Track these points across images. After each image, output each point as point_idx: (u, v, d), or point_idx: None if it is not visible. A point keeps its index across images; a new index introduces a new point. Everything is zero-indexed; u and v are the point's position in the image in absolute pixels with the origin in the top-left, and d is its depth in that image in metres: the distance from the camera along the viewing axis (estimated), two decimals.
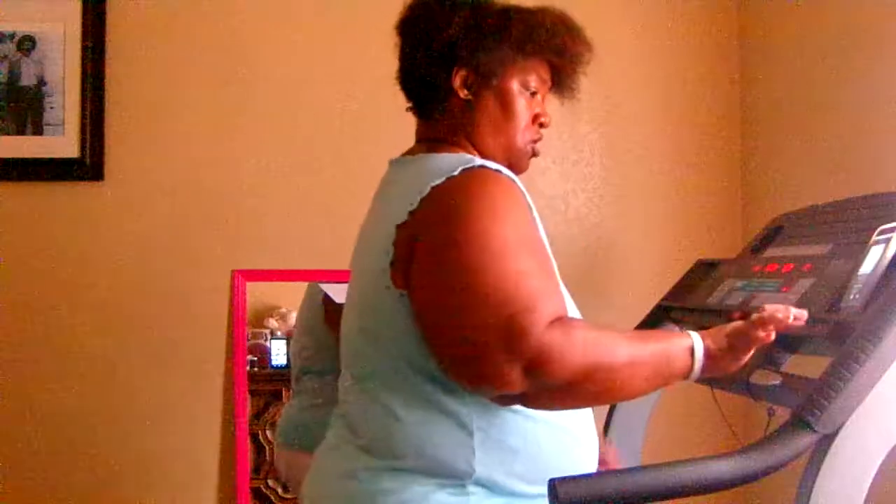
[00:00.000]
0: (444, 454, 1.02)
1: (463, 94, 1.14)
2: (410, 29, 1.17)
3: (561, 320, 0.97)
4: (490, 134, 1.16)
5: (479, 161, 1.06)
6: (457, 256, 0.98)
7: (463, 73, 1.13)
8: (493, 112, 1.15)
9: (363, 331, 1.10)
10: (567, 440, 1.09)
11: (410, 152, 1.18)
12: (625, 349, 0.98)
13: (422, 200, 1.02)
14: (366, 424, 1.09)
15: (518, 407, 1.03)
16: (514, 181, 1.06)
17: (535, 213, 1.08)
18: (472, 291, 0.96)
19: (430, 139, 1.17)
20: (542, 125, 1.21)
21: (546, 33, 1.15)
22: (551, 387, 0.95)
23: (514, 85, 1.16)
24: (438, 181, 1.02)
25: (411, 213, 1.02)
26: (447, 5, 1.15)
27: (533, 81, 1.17)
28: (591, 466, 1.12)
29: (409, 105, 1.20)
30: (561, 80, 1.21)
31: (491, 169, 1.05)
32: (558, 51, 1.17)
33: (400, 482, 1.02)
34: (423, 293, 1.01)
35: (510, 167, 1.17)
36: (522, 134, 1.18)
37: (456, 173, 1.02)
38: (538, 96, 1.19)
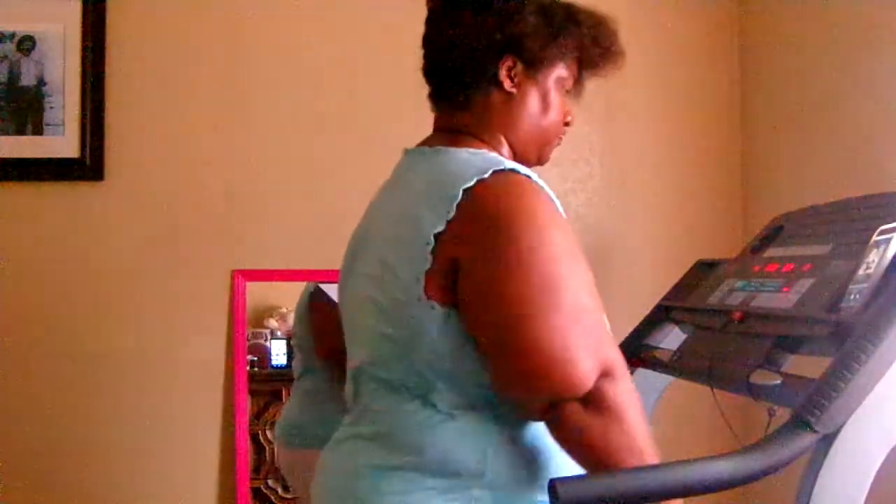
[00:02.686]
0: (457, 457, 1.01)
1: (508, 84, 1.10)
2: (466, 5, 1.11)
3: None
4: (526, 128, 1.14)
5: (507, 163, 1.03)
6: (518, 266, 0.96)
7: (510, 63, 1.10)
8: (532, 106, 1.13)
9: (388, 337, 1.05)
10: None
11: (428, 143, 1.13)
12: (642, 442, 0.98)
13: (457, 207, 0.98)
14: (383, 426, 1.07)
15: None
16: (544, 188, 1.05)
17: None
18: (546, 298, 0.96)
19: (453, 130, 1.12)
20: (567, 123, 1.20)
21: (608, 39, 1.16)
22: (606, 404, 0.95)
23: (553, 82, 1.14)
24: (469, 183, 0.99)
25: (448, 221, 0.99)
26: None
27: (568, 80, 1.16)
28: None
29: (433, 91, 1.15)
30: (581, 81, 1.20)
31: (522, 174, 1.02)
32: (612, 57, 1.17)
33: (407, 483, 1.02)
34: (485, 308, 0.98)
35: (539, 160, 1.18)
36: (555, 132, 1.18)
37: (487, 176, 0.99)
38: (568, 94, 1.18)
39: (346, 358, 1.17)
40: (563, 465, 1.05)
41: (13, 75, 2.16)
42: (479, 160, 1.03)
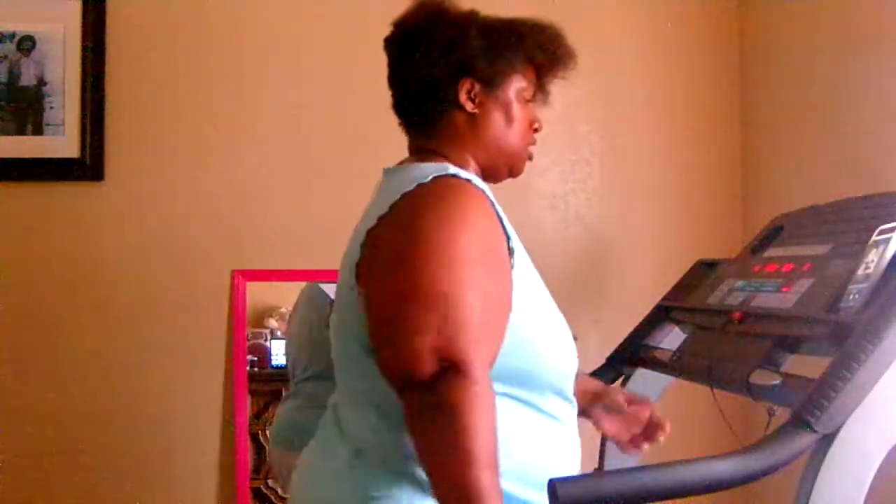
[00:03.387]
0: (409, 451, 1.01)
1: (469, 107, 1.15)
2: (416, 42, 1.17)
3: (488, 366, 0.97)
4: (494, 143, 1.18)
5: (452, 170, 1.06)
6: (405, 259, 0.99)
7: (468, 84, 1.15)
8: (497, 122, 1.17)
9: (338, 330, 1.12)
10: (549, 447, 1.10)
11: (401, 163, 1.19)
12: (486, 462, 0.91)
13: (391, 206, 1.04)
14: (354, 425, 1.10)
15: (510, 412, 1.03)
16: (482, 192, 1.06)
17: (508, 226, 1.08)
18: (414, 293, 0.96)
19: (422, 152, 1.17)
20: (535, 130, 1.23)
21: (553, 43, 1.19)
22: (438, 399, 0.92)
23: (512, 93, 1.18)
24: (409, 188, 1.04)
25: (380, 218, 1.04)
26: (457, 19, 1.17)
27: (527, 89, 1.20)
28: (571, 469, 1.12)
29: (402, 121, 1.21)
30: (542, 87, 1.24)
31: (461, 178, 1.05)
32: (561, 60, 1.21)
33: (388, 485, 1.02)
34: (369, 291, 1.03)
35: (510, 173, 1.21)
36: (523, 140, 1.21)
37: (427, 181, 1.04)
38: (530, 103, 1.22)
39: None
40: (545, 464, 1.06)
41: (13, 75, 2.16)
42: (431, 169, 1.07)
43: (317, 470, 1.14)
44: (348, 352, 1.09)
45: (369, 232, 1.05)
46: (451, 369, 0.93)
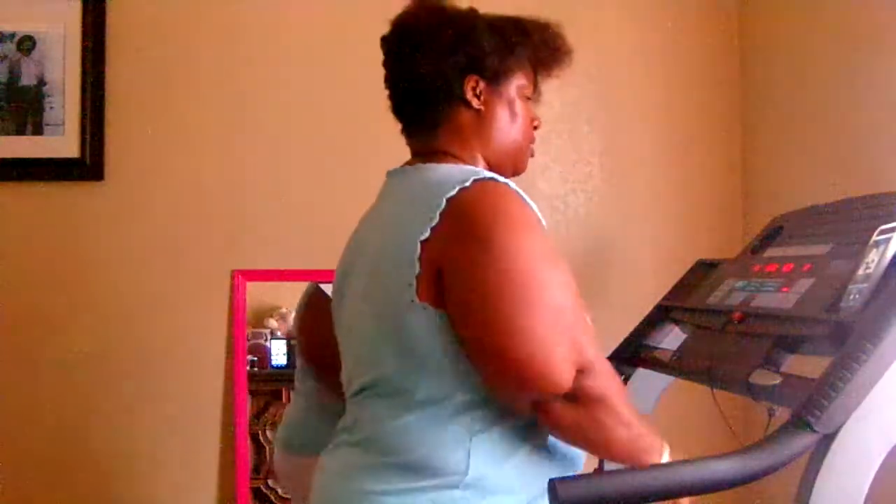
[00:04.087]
0: (440, 455, 1.03)
1: (476, 103, 1.16)
2: (419, 39, 1.16)
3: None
4: (499, 140, 1.19)
5: (486, 173, 1.07)
6: (497, 268, 1.00)
7: (473, 82, 1.16)
8: (502, 119, 1.18)
9: (382, 341, 1.08)
10: (557, 449, 1.10)
11: (408, 164, 1.19)
12: (629, 415, 1.05)
13: (441, 214, 1.02)
14: (371, 432, 1.09)
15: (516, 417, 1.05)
16: (522, 195, 1.08)
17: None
18: (523, 298, 0.99)
19: (429, 152, 1.17)
20: (535, 127, 1.25)
21: (555, 41, 1.22)
22: (588, 396, 1.00)
23: (514, 90, 1.19)
24: (452, 193, 1.03)
25: (433, 228, 1.02)
26: (464, 16, 1.18)
27: (527, 87, 1.21)
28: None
29: (403, 122, 1.21)
30: (537, 86, 1.25)
31: (500, 182, 1.06)
32: (561, 58, 1.23)
33: (389, 482, 1.03)
34: (469, 309, 1.01)
35: (515, 171, 1.22)
36: (526, 137, 1.22)
37: (468, 184, 1.03)
38: (529, 101, 1.23)
39: (338, 363, 1.20)
40: (548, 464, 1.07)
41: (13, 75, 2.16)
42: (459, 171, 1.07)
43: (328, 473, 1.13)
44: (402, 366, 1.07)
45: (423, 243, 1.03)
46: (586, 372, 1.00)
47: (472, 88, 1.16)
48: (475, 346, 1.02)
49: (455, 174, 1.06)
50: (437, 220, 1.02)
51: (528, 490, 1.06)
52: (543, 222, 1.09)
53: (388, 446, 1.06)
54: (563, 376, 0.99)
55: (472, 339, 1.02)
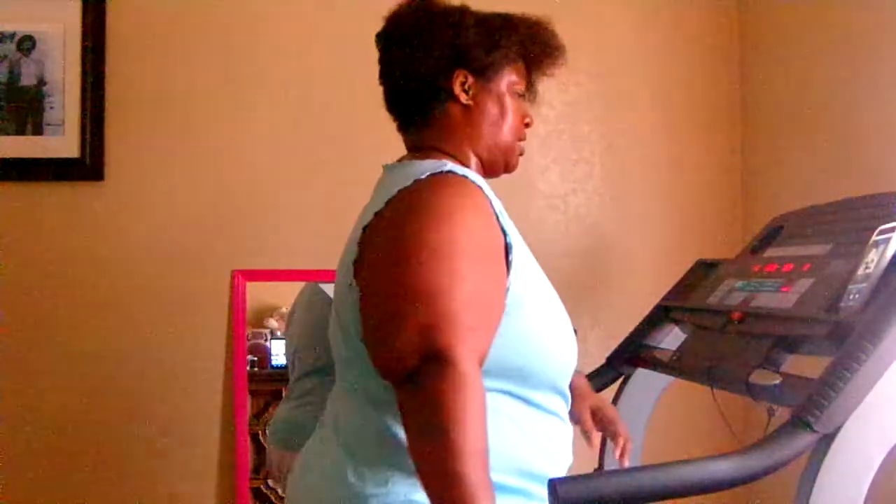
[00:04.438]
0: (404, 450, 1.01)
1: (464, 98, 1.16)
2: (409, 34, 1.18)
3: (478, 360, 0.96)
4: (489, 136, 1.19)
5: (448, 166, 1.07)
6: (395, 253, 0.99)
7: (461, 77, 1.16)
8: (491, 114, 1.18)
9: (338, 329, 1.12)
10: (544, 440, 1.10)
11: (400, 159, 1.20)
12: (470, 450, 0.88)
13: (387, 203, 1.04)
14: (348, 423, 1.10)
15: (497, 406, 1.03)
16: (479, 188, 1.06)
17: (505, 221, 1.07)
18: (402, 286, 0.96)
19: (421, 148, 1.18)
20: (527, 125, 1.25)
21: (545, 36, 1.22)
22: (420, 386, 0.92)
23: (505, 86, 1.19)
24: (406, 185, 1.04)
25: (376, 213, 1.05)
26: (451, 11, 1.19)
27: (519, 83, 1.21)
28: (566, 461, 1.13)
29: (396, 118, 1.22)
30: (531, 84, 1.25)
31: (458, 174, 1.06)
32: (552, 54, 1.23)
33: (382, 483, 1.03)
34: (364, 288, 1.03)
35: (505, 167, 1.22)
36: (516, 134, 1.22)
37: (423, 177, 1.04)
38: (521, 98, 1.23)
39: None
40: (527, 449, 1.07)
41: (13, 75, 2.16)
42: (430, 166, 1.07)
43: (313, 468, 1.14)
44: (346, 349, 1.10)
45: (365, 229, 1.06)
46: (438, 361, 0.92)
47: (461, 83, 1.16)
48: (363, 323, 1.03)
49: (424, 168, 1.06)
50: (381, 207, 1.05)
51: (515, 477, 1.04)
52: (504, 222, 1.06)
53: (366, 443, 1.06)
54: (400, 358, 0.93)
55: (362, 315, 1.03)
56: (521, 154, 1.25)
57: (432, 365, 0.92)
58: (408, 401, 0.94)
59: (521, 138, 1.23)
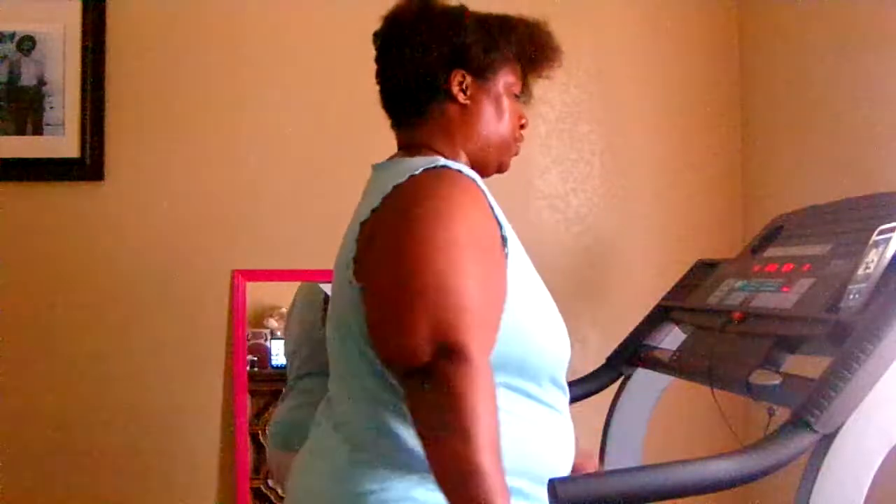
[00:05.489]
0: (409, 446, 1.01)
1: (461, 98, 1.17)
2: (408, 33, 1.18)
3: (488, 353, 0.96)
4: (484, 136, 1.19)
5: (442, 161, 1.07)
6: (401, 249, 0.99)
7: (459, 77, 1.16)
8: (487, 114, 1.19)
9: (336, 328, 1.12)
10: (546, 437, 1.10)
11: (390, 158, 1.20)
12: (486, 443, 0.89)
13: (383, 199, 1.04)
14: (347, 421, 1.10)
15: (507, 401, 1.03)
16: (474, 181, 1.06)
17: (499, 213, 1.08)
18: (411, 281, 0.96)
19: (413, 146, 1.18)
20: (522, 126, 1.25)
21: (543, 37, 1.22)
22: (438, 380, 0.92)
23: (502, 87, 1.20)
24: (401, 180, 1.04)
25: (373, 210, 1.05)
26: (450, 11, 1.19)
27: (515, 84, 1.22)
28: (569, 460, 1.13)
29: (391, 116, 1.22)
30: (527, 85, 1.25)
31: (452, 168, 1.06)
32: (549, 55, 1.23)
33: (380, 481, 1.02)
34: (368, 285, 1.03)
35: (498, 167, 1.23)
36: (511, 135, 1.22)
37: (417, 173, 1.04)
38: (517, 99, 1.23)
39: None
40: (531, 447, 1.06)
41: (13, 75, 2.16)
42: (423, 162, 1.07)
43: (313, 467, 1.13)
44: (346, 347, 1.09)
45: (363, 225, 1.05)
46: (450, 353, 0.92)
47: (459, 83, 1.16)
48: (369, 321, 1.03)
49: (415, 164, 1.07)
50: (378, 203, 1.04)
51: (517, 476, 1.03)
52: (500, 217, 1.07)
53: (364, 441, 1.06)
54: (415, 350, 0.93)
55: (368, 312, 1.03)
56: (515, 154, 1.25)
57: (446, 359, 0.92)
58: (421, 395, 0.94)
59: (517, 139, 1.24)
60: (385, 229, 1.03)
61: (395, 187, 1.04)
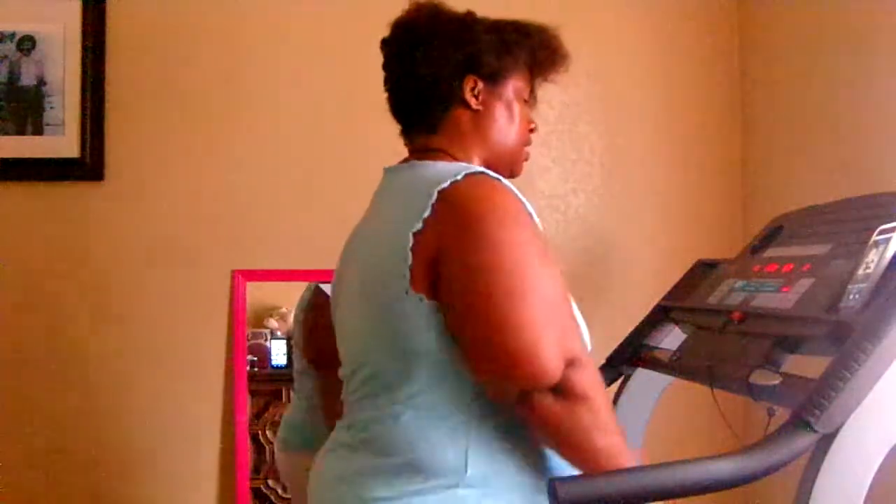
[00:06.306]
0: (438, 454, 1.02)
1: (474, 103, 1.17)
2: (418, 39, 1.18)
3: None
4: (496, 141, 1.20)
5: (478, 168, 1.08)
6: (489, 259, 1.00)
7: (472, 83, 1.17)
8: (500, 119, 1.20)
9: (376, 336, 1.09)
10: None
11: (404, 161, 1.20)
12: (608, 420, 1.02)
13: (433, 206, 1.03)
14: (368, 433, 1.09)
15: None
16: (513, 190, 1.08)
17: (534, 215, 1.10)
18: (514, 289, 0.98)
19: (426, 151, 1.18)
20: (531, 130, 1.26)
21: (553, 43, 1.23)
22: (574, 390, 0.98)
23: (512, 92, 1.21)
24: (444, 185, 1.03)
25: (425, 219, 1.03)
26: (462, 18, 1.20)
27: (524, 89, 1.23)
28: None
29: (402, 123, 1.22)
30: (533, 89, 1.26)
31: (492, 176, 1.07)
32: (559, 61, 1.24)
33: (391, 486, 1.02)
34: (460, 299, 1.01)
35: (511, 172, 1.23)
36: (522, 139, 1.23)
37: (459, 178, 1.04)
38: (526, 103, 1.24)
39: (337, 363, 1.20)
40: (548, 460, 1.07)
41: (13, 75, 2.16)
42: (453, 167, 1.08)
43: (344, 478, 1.11)
44: (393, 361, 1.07)
45: (415, 235, 1.03)
46: (577, 365, 0.99)
47: (471, 89, 1.17)
48: (466, 337, 1.02)
49: (449, 169, 1.07)
50: (429, 211, 1.03)
51: (530, 484, 1.05)
52: (536, 218, 1.08)
53: (387, 446, 1.05)
54: (552, 365, 0.97)
55: (463, 329, 1.02)
56: (525, 159, 1.26)
57: (571, 368, 0.99)
58: (562, 407, 0.99)
59: (527, 143, 1.25)
60: (459, 243, 1.02)
61: (441, 192, 1.03)
